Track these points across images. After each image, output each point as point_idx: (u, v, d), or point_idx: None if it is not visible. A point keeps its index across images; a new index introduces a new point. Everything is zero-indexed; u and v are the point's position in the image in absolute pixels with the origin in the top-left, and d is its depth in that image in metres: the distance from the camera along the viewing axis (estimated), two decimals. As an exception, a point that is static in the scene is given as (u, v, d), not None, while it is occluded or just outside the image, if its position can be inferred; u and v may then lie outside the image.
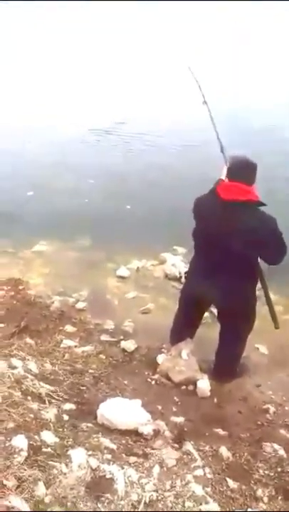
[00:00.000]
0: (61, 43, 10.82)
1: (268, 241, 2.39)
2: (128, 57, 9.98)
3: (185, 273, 2.88)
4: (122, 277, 3.97)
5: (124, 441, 2.03)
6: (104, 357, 2.90)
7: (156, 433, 2.14)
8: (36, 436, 1.73)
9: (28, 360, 2.46)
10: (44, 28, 11.88)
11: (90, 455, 1.75)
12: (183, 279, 3.86)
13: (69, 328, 3.17)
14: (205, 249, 2.57)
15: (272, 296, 3.68)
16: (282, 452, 2.33)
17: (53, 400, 2.20)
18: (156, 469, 1.85)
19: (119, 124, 7.38)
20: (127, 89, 8.57)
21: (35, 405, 1.98)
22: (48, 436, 1.79)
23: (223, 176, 2.45)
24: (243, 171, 2.38)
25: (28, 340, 2.83)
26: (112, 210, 5.03)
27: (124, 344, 3.04)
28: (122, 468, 1.77)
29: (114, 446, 1.93)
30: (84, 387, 2.49)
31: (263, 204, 2.40)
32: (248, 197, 2.35)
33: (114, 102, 8.05)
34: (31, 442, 1.64)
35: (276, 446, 2.37)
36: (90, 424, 2.11)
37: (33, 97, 8.14)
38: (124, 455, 1.90)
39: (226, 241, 2.39)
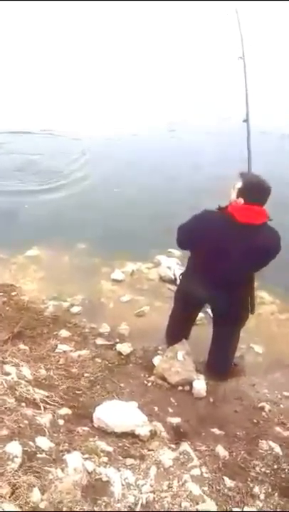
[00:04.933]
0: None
1: (273, 257, 2.46)
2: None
3: (180, 275, 2.85)
4: (116, 281, 3.97)
5: (120, 444, 2.03)
6: (100, 360, 2.90)
7: (153, 434, 2.14)
8: (31, 442, 1.73)
9: (22, 366, 2.46)
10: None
11: (86, 459, 1.75)
12: (178, 282, 3.87)
13: (64, 332, 3.17)
14: (208, 262, 2.54)
15: (268, 296, 3.75)
16: (278, 449, 2.35)
17: (48, 406, 2.19)
18: (153, 470, 1.86)
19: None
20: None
21: (29, 411, 1.98)
22: (43, 442, 1.78)
23: (234, 196, 2.40)
24: (260, 195, 2.36)
25: (22, 346, 2.83)
26: (108, 214, 5.05)
27: (119, 347, 3.05)
28: (119, 470, 1.77)
29: (110, 449, 1.93)
30: (80, 392, 2.49)
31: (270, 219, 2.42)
32: (261, 220, 2.36)
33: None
34: (26, 448, 1.64)
35: (272, 443, 2.39)
36: (86, 428, 2.11)
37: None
38: (120, 457, 1.90)
39: (238, 260, 2.41)
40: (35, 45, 10.39)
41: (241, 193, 2.36)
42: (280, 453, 2.34)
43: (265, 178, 2.42)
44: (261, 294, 3.71)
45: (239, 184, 2.38)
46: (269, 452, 2.31)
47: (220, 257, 2.44)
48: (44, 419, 2.01)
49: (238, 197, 2.37)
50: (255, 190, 2.36)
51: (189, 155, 6.36)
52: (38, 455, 1.67)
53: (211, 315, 3.14)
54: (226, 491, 1.90)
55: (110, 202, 5.35)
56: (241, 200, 2.36)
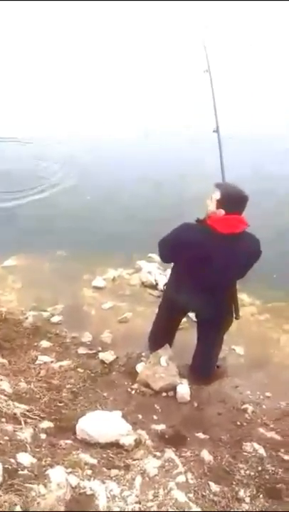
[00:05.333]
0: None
1: (255, 262, 2.53)
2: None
3: (164, 285, 2.87)
4: (98, 288, 3.95)
5: (104, 455, 2.01)
6: (82, 370, 2.87)
7: (138, 443, 2.13)
8: (12, 459, 1.68)
9: (1, 380, 2.41)
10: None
11: (69, 473, 1.72)
12: (159, 287, 3.88)
13: (44, 343, 3.13)
14: (192, 273, 2.55)
15: (248, 298, 3.80)
16: (262, 451, 2.37)
17: (29, 420, 2.15)
18: (138, 480, 1.84)
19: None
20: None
21: (9, 427, 1.93)
22: (25, 458, 1.74)
23: (212, 207, 2.41)
24: (240, 204, 2.38)
25: (0, 359, 2.77)
26: (87, 220, 5.01)
27: (102, 355, 3.03)
28: (103, 482, 1.75)
29: (94, 461, 1.90)
30: (62, 404, 2.46)
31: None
32: (242, 228, 2.39)
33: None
34: (6, 466, 1.60)
35: (256, 445, 2.41)
36: (68, 441, 2.08)
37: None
38: (105, 469, 1.88)
39: (222, 269, 2.44)
40: (13, 51, 10.25)
41: (221, 204, 2.37)
42: (264, 454, 2.36)
43: (239, 184, 2.45)
44: (241, 296, 3.74)
45: (217, 195, 2.38)
46: (253, 454, 2.33)
47: (204, 267, 2.45)
48: (25, 434, 1.96)
49: (217, 208, 2.37)
50: (234, 201, 2.38)
51: (167, 161, 6.38)
52: (20, 472, 1.63)
53: (194, 319, 3.16)
54: (211, 496, 1.90)
55: (87, 208, 5.32)
56: (222, 211, 2.36)
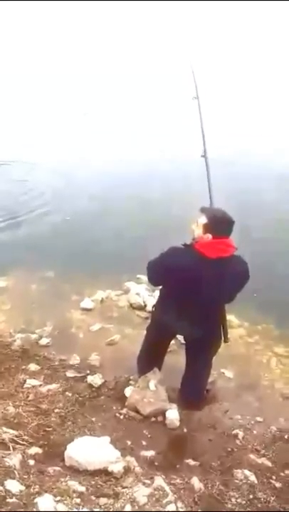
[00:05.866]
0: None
1: (245, 282, 2.53)
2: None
3: (153, 306, 2.85)
4: (86, 309, 3.93)
5: (93, 482, 1.96)
6: (70, 394, 2.83)
7: (127, 470, 2.09)
8: (0, 487, 1.64)
9: (-10, 404, 2.36)
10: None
11: (58, 501, 1.68)
12: (147, 308, 3.88)
13: (32, 366, 3.08)
14: (180, 296, 2.55)
15: (236, 320, 3.83)
16: (253, 478, 2.34)
17: (17, 445, 2.10)
18: (128, 509, 1.79)
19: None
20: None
21: (-3, 453, 1.89)
22: (13, 485, 1.70)
23: (198, 232, 2.43)
24: (227, 228, 2.40)
25: (-11, 383, 2.72)
26: (73, 241, 5.03)
27: (90, 379, 2.99)
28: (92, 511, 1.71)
29: (83, 489, 1.86)
30: (50, 428, 2.41)
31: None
32: (230, 252, 2.41)
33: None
34: (-6, 494, 1.56)
35: (247, 472, 2.38)
36: (57, 468, 2.03)
37: None
38: (93, 497, 1.83)
39: (211, 293, 2.45)
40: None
41: (208, 228, 2.39)
42: (255, 481, 2.33)
43: (225, 207, 2.49)
44: (229, 318, 3.75)
45: (203, 220, 2.40)
46: (244, 482, 2.29)
47: (192, 291, 2.46)
48: (13, 460, 1.92)
49: (204, 233, 2.40)
50: (221, 225, 2.40)
51: (155, 183, 6.50)
52: (8, 500, 1.59)
53: (182, 342, 3.16)
54: (201, 526, 1.86)
55: (75, 229, 5.35)
56: (209, 236, 2.39)
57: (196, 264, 2.41)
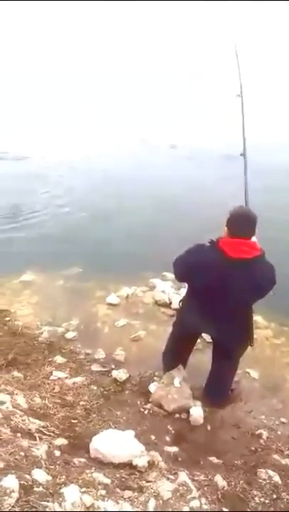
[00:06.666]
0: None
1: (269, 288, 2.45)
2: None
3: (180, 301, 2.83)
4: (112, 305, 3.97)
5: (118, 475, 1.99)
6: (95, 388, 2.87)
7: (151, 465, 2.11)
8: (27, 476, 1.69)
9: (17, 394, 2.42)
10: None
11: (83, 492, 1.71)
12: (173, 305, 3.88)
13: (59, 359, 3.15)
14: (205, 295, 2.53)
15: (263, 321, 3.77)
16: (276, 478, 2.32)
17: (44, 436, 2.16)
18: (152, 503, 1.81)
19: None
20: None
21: (25, 442, 1.94)
22: (40, 475, 1.74)
23: (226, 229, 2.41)
24: (244, 227, 2.35)
25: (16, 373, 2.79)
26: (101, 238, 5.09)
27: (115, 374, 3.02)
28: (117, 503, 1.73)
29: (108, 481, 1.89)
30: (75, 420, 2.46)
31: (263, 251, 2.42)
32: (253, 254, 2.35)
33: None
34: (22, 482, 1.60)
35: (271, 472, 2.36)
36: (82, 459, 2.07)
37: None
38: (118, 489, 1.86)
39: (233, 295, 2.40)
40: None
41: (227, 225, 2.38)
42: (279, 482, 2.30)
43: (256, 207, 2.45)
44: (256, 318, 3.71)
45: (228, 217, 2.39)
46: (268, 481, 2.28)
47: (215, 291, 2.43)
48: (40, 450, 1.96)
49: (226, 230, 2.39)
50: (238, 223, 2.35)
51: (181, 182, 6.45)
52: (35, 488, 1.63)
53: (208, 340, 3.16)
54: (226, 523, 1.86)
55: (102, 225, 5.40)
56: (226, 231, 2.38)
57: (218, 262, 2.37)
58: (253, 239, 2.48)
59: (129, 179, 6.49)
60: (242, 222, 2.36)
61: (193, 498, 1.92)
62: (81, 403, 2.67)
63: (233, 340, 2.66)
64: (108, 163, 6.99)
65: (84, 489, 1.74)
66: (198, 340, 3.15)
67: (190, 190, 6.03)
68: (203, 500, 1.95)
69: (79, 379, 2.93)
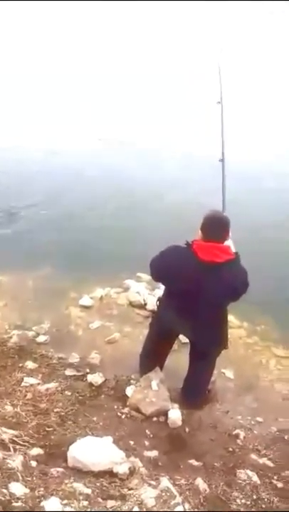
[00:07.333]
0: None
1: (241, 292, 2.47)
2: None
3: (157, 300, 2.81)
4: (85, 307, 3.87)
5: (98, 484, 1.92)
6: (70, 393, 2.77)
7: (132, 471, 2.05)
8: (4, 490, 1.58)
9: (-12, 403, 2.29)
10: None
11: (65, 504, 1.63)
12: (148, 307, 3.84)
13: (30, 364, 3.01)
14: (180, 296, 2.53)
15: (236, 320, 3.81)
16: (255, 478, 2.33)
17: (18, 446, 2.04)
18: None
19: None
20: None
21: None
22: (17, 488, 1.64)
23: (200, 232, 2.41)
24: (216, 231, 2.37)
25: (-15, 381, 2.65)
26: (73, 237, 4.94)
27: (90, 378, 2.93)
28: (100, 514, 1.66)
29: (89, 491, 1.81)
30: (50, 428, 2.35)
31: (237, 255, 2.44)
32: (224, 258, 2.36)
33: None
34: (0, 497, 1.50)
35: (249, 472, 2.37)
36: (60, 469, 1.97)
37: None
38: (100, 499, 1.78)
39: (206, 297, 2.41)
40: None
41: (201, 230, 2.39)
42: (258, 481, 2.32)
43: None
44: (229, 318, 3.72)
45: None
46: (247, 482, 2.28)
47: (189, 292, 2.44)
48: (16, 461, 1.86)
49: (200, 237, 2.39)
50: (211, 227, 2.37)
51: (158, 183, 6.39)
52: (14, 503, 1.53)
53: (183, 341, 3.14)
54: (210, 527, 1.84)
55: (74, 225, 5.25)
56: (200, 234, 2.39)
57: (191, 264, 2.38)
58: (229, 243, 2.50)
59: (103, 179, 6.36)
60: (214, 226, 2.38)
61: (177, 503, 1.88)
62: (55, 410, 2.56)
63: (208, 342, 2.67)
64: (85, 162, 6.84)
65: (65, 501, 1.66)
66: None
67: (166, 191, 6.00)
68: (187, 505, 1.92)
69: (52, 385, 2.82)
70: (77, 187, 6.18)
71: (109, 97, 9.00)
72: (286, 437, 2.83)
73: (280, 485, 2.39)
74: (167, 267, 2.49)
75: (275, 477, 2.44)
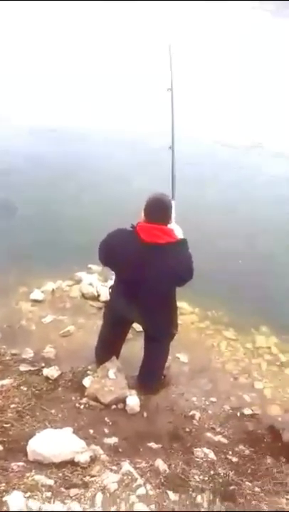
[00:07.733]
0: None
1: (185, 278, 2.49)
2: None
3: (109, 288, 2.80)
4: (36, 301, 3.78)
5: (60, 474, 1.92)
6: (25, 388, 2.72)
7: (93, 459, 2.07)
8: None
9: None
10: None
11: (28, 497, 1.61)
12: (101, 298, 3.84)
13: (-19, 362, 2.91)
14: (128, 280, 2.54)
15: (188, 307, 3.92)
16: (212, 455, 2.46)
17: (-24, 444, 1.98)
18: (100, 497, 1.79)
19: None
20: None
21: None
22: (-22, 486, 1.60)
23: (142, 214, 2.42)
24: (156, 213, 2.37)
25: None
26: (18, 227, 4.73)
27: (46, 371, 2.89)
28: (64, 503, 1.67)
29: (51, 482, 1.81)
30: (8, 425, 2.30)
31: (183, 240, 2.47)
32: (166, 240, 2.38)
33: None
34: None
35: (206, 450, 2.50)
36: (20, 463, 1.95)
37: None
38: (63, 489, 1.79)
39: (151, 280, 2.42)
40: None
41: (144, 212, 2.41)
42: (214, 458, 2.45)
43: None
44: (181, 304, 3.83)
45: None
46: (204, 459, 2.40)
47: (135, 275, 2.45)
48: (-27, 460, 1.80)
49: (143, 219, 2.42)
50: (152, 209, 2.39)
51: (110, 172, 6.28)
52: (-26, 502, 1.49)
53: (138, 330, 3.19)
54: (171, 505, 1.91)
55: (18, 215, 5.02)
56: (143, 216, 2.42)
57: (135, 246, 2.39)
58: (174, 227, 2.54)
59: (52, 167, 6.12)
60: (156, 208, 2.40)
61: (139, 485, 1.94)
62: (12, 406, 2.50)
63: (157, 328, 2.72)
64: (36, 150, 6.52)
65: (28, 494, 1.65)
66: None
67: (116, 179, 5.92)
68: (148, 486, 1.98)
69: (7, 381, 2.75)
70: (21, 174, 5.89)
71: (53, 86, 8.71)
72: (238, 414, 3.01)
73: (234, 459, 2.53)
74: (113, 249, 2.50)
75: (230, 452, 2.59)
